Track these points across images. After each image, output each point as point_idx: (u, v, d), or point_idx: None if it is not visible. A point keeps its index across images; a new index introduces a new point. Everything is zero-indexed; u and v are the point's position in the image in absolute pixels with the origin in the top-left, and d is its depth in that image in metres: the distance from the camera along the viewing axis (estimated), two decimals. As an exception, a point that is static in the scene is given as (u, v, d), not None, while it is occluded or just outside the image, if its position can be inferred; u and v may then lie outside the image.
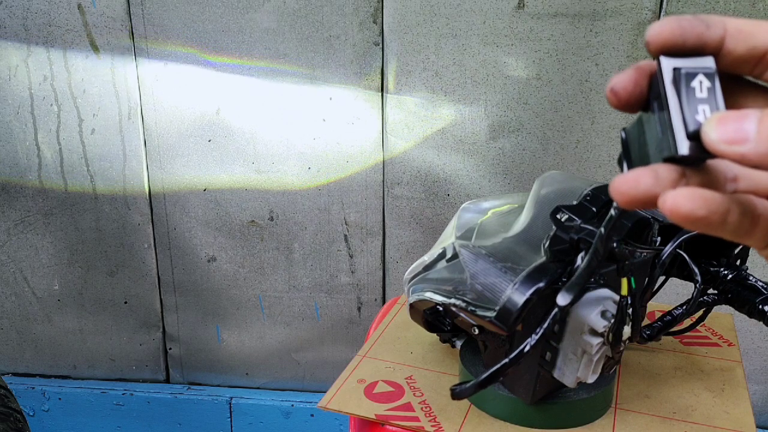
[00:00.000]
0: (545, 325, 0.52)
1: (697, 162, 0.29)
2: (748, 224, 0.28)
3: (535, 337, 0.52)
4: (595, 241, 0.40)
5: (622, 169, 0.31)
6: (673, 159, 0.28)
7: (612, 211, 0.35)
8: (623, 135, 0.31)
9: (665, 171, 0.28)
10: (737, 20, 0.29)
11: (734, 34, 0.28)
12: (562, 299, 0.47)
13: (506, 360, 0.51)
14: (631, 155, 0.31)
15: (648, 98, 0.30)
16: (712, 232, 0.27)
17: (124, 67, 1.30)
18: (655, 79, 0.30)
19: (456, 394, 0.51)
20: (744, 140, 0.26)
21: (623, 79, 0.30)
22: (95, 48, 1.29)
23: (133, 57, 1.29)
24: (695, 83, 0.28)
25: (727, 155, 0.26)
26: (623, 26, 1.16)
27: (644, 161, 0.30)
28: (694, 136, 0.28)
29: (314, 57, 1.25)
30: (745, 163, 0.26)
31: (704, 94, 0.28)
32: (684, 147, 0.28)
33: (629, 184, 0.28)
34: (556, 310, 0.51)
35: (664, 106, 0.29)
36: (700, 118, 0.28)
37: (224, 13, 1.24)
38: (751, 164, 0.26)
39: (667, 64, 0.29)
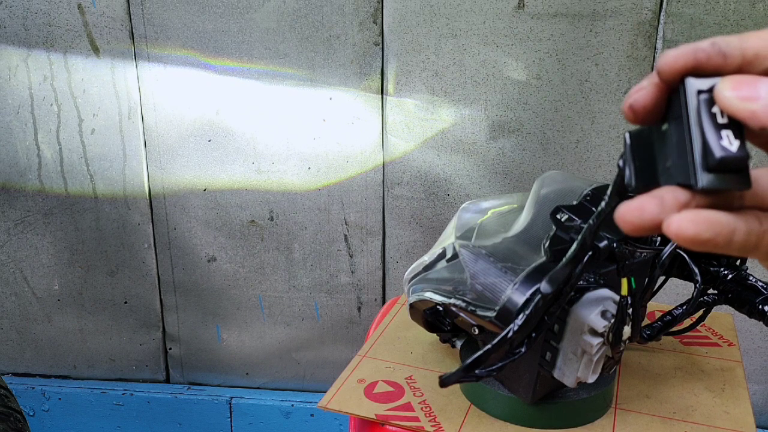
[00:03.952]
0: (528, 312, 0.52)
1: (712, 194, 0.28)
2: (754, 241, 0.28)
3: (518, 323, 0.51)
4: (584, 231, 0.41)
5: (621, 170, 0.31)
6: (689, 187, 0.28)
7: (603, 205, 0.35)
8: (628, 140, 0.31)
9: (671, 196, 0.28)
10: (755, 43, 0.28)
11: (752, 60, 0.28)
12: (545, 287, 0.47)
13: (489, 346, 0.51)
14: (635, 163, 0.31)
15: (665, 114, 0.30)
16: (718, 251, 0.28)
17: (124, 67, 1.30)
18: (675, 97, 0.29)
19: (443, 381, 0.51)
20: (756, 98, 0.27)
21: (643, 97, 0.30)
22: (95, 48, 1.29)
23: (133, 57, 1.29)
24: (716, 109, 0.28)
25: (738, 112, 0.27)
26: (623, 26, 1.16)
27: (651, 174, 0.30)
28: (716, 167, 0.27)
29: (314, 57, 1.25)
30: (754, 123, 0.27)
31: (725, 119, 0.28)
32: (703, 180, 0.28)
33: (634, 213, 0.28)
34: (538, 297, 0.51)
35: (684, 131, 0.28)
36: (725, 143, 0.28)
37: (224, 14, 1.24)
38: (760, 124, 0.26)
39: (692, 89, 0.28)
